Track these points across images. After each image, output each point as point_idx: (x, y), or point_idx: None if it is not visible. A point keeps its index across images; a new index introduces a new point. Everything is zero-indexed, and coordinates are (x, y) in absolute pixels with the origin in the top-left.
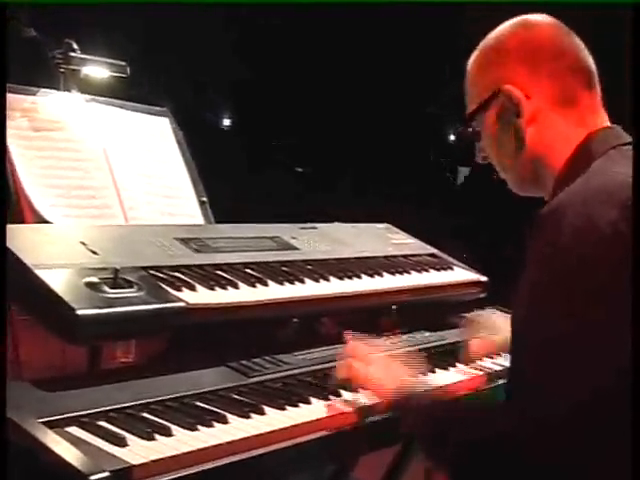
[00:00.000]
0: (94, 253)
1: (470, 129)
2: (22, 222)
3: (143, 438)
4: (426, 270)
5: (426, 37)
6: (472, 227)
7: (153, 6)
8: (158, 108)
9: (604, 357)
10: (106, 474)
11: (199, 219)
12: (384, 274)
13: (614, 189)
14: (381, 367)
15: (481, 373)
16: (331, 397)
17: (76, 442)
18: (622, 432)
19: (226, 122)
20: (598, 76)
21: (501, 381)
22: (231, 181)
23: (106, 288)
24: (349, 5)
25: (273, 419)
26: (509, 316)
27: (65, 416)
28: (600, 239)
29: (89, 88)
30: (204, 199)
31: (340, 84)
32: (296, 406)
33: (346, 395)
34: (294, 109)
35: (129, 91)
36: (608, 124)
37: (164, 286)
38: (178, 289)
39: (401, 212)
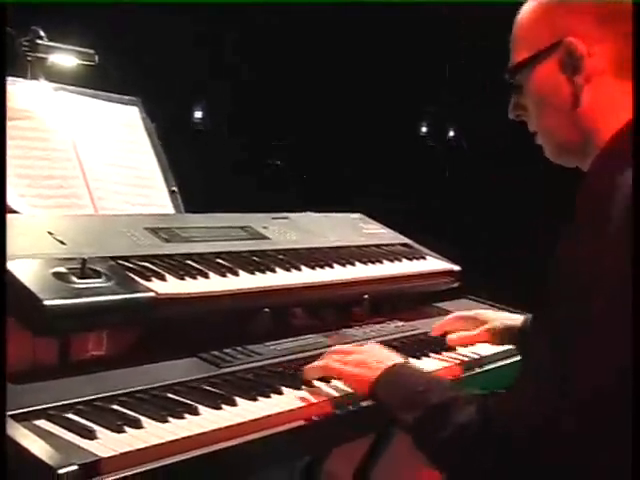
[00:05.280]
0: (62, 243)
1: (512, 81)
2: None
3: (112, 430)
4: (398, 260)
5: (424, 39)
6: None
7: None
8: (127, 97)
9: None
10: (74, 467)
11: (169, 209)
12: (356, 264)
13: None
14: (357, 359)
15: (457, 362)
16: (303, 387)
17: (44, 435)
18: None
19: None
20: None
21: (478, 370)
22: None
23: (74, 278)
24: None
25: (245, 410)
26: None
27: (33, 409)
28: None
29: (57, 76)
30: (174, 189)
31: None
32: (268, 397)
33: (318, 385)
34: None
35: (98, 80)
36: None
37: (133, 276)
38: (147, 279)
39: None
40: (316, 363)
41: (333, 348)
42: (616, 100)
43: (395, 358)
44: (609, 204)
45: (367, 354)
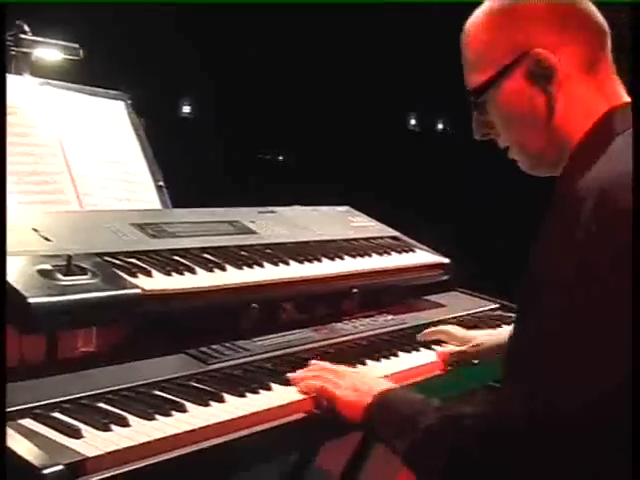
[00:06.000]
0: (47, 240)
1: (477, 100)
2: None
3: (99, 429)
4: (387, 253)
5: (412, 31)
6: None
7: None
8: (113, 91)
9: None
10: (60, 467)
11: (156, 204)
12: (345, 257)
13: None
14: (351, 383)
15: None
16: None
17: (29, 435)
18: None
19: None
20: None
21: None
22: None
23: (59, 275)
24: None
25: (233, 407)
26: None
27: (18, 408)
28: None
29: (41, 71)
30: (161, 184)
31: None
32: (256, 393)
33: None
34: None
35: (86, 74)
36: (625, 97)
37: (119, 272)
38: (134, 275)
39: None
40: (312, 382)
41: (324, 365)
42: (585, 99)
43: (385, 384)
44: (579, 206)
45: (359, 379)
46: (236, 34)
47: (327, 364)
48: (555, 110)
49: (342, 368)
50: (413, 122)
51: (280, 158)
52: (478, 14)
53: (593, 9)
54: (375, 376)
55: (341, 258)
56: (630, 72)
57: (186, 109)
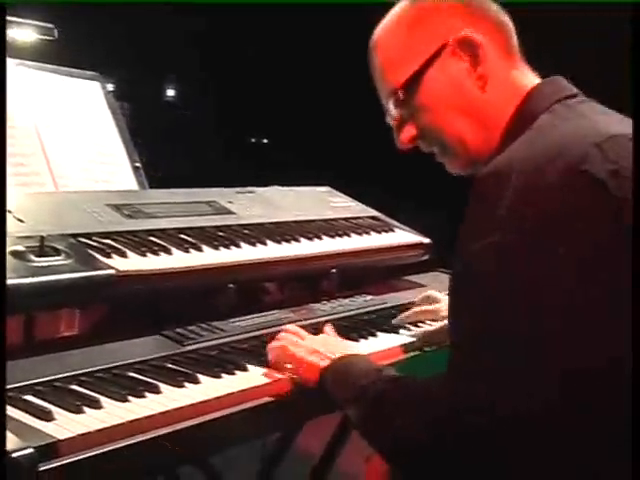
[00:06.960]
0: (20, 221)
1: (404, 97)
2: None
3: (71, 411)
4: (367, 233)
5: None
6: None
7: None
8: (89, 72)
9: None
10: (30, 450)
11: (133, 185)
12: (323, 237)
13: (563, 152)
14: (311, 345)
15: None
16: (268, 364)
17: None
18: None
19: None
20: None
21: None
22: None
23: (32, 257)
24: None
25: (208, 388)
26: None
27: None
28: (547, 206)
29: (15, 52)
30: (138, 165)
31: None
32: (232, 374)
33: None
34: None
35: (59, 55)
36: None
37: (93, 253)
38: (108, 256)
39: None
40: (273, 344)
41: (287, 327)
42: (510, 81)
43: (347, 350)
44: (503, 182)
45: (321, 343)
46: (222, 15)
47: (297, 328)
48: (485, 91)
49: (304, 332)
50: None
51: (265, 141)
52: (389, 19)
53: (490, 3)
54: (338, 341)
55: (320, 238)
56: (630, 72)
57: (170, 92)
